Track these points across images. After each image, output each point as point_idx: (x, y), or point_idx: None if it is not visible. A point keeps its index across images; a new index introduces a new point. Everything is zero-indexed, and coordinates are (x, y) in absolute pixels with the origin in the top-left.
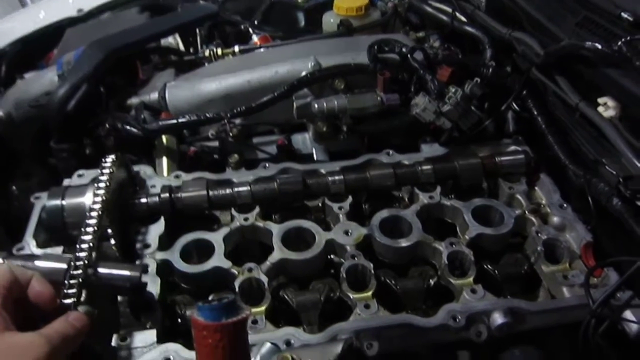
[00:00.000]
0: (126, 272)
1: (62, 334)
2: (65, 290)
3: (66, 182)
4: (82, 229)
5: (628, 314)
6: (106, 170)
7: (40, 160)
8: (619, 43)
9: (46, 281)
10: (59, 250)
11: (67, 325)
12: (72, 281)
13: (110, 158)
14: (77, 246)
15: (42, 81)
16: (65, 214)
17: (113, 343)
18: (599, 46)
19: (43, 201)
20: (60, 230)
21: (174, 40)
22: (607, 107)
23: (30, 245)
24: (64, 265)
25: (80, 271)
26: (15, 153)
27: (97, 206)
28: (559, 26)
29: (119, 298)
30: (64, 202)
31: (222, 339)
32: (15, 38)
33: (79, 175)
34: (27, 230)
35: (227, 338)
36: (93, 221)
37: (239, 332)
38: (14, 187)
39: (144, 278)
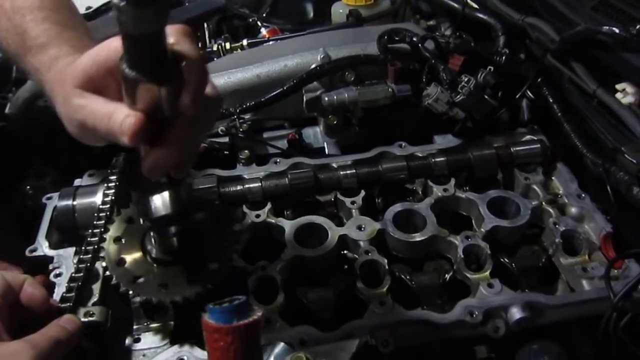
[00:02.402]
0: None
1: (51, 338)
2: (63, 294)
3: (77, 182)
4: (90, 231)
5: None
6: (116, 170)
7: (51, 160)
8: (638, 27)
9: (38, 284)
10: (71, 251)
11: (58, 329)
12: (71, 284)
13: (120, 157)
14: (83, 248)
15: None
16: (76, 215)
17: (126, 343)
18: (617, 30)
19: (55, 202)
20: (72, 230)
21: None
22: (626, 94)
23: (42, 246)
24: None
25: (81, 274)
26: (27, 152)
27: (106, 206)
28: (574, 11)
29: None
30: (75, 203)
31: (234, 342)
32: None
33: (90, 175)
34: (39, 231)
35: (239, 340)
36: (100, 222)
37: (251, 334)
38: (27, 187)
39: None
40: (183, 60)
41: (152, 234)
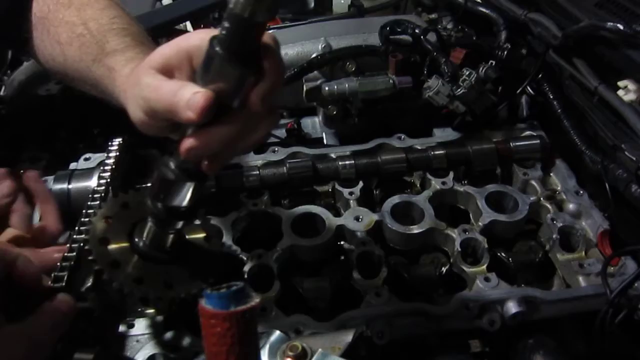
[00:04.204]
0: None
1: (45, 323)
2: (56, 273)
3: (73, 165)
4: (84, 211)
5: None
6: (112, 154)
7: (46, 145)
8: None
9: (31, 261)
10: (65, 234)
11: (52, 311)
12: (64, 263)
13: (116, 141)
14: (76, 228)
15: None
16: (71, 198)
17: (120, 329)
18: (621, 27)
19: (50, 185)
20: (66, 214)
21: (184, 28)
22: (628, 91)
23: None
24: None
25: (74, 253)
26: (21, 136)
27: (101, 188)
28: (577, 6)
29: None
30: (70, 187)
31: (231, 328)
32: None
33: (86, 159)
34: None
35: (235, 326)
36: (95, 203)
37: (248, 320)
38: (21, 171)
39: None
40: (266, 59)
41: (149, 223)
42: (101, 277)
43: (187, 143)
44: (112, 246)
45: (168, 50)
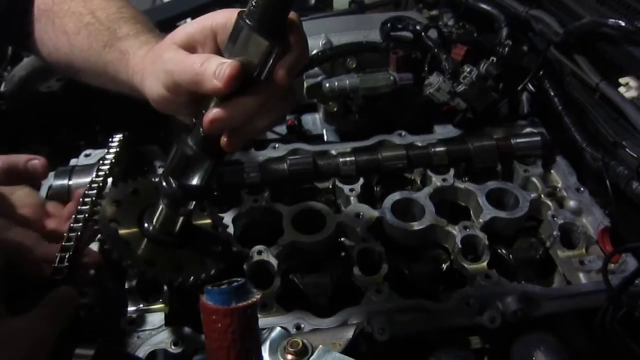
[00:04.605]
0: None
1: (48, 315)
2: (55, 264)
3: (73, 161)
4: (81, 199)
5: None
6: (112, 149)
7: (46, 141)
8: None
9: (32, 250)
10: None
11: (56, 302)
12: (62, 254)
13: (117, 137)
14: (73, 216)
15: None
16: (71, 194)
17: (121, 325)
18: (622, 23)
19: (50, 181)
20: None
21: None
22: (629, 88)
23: None
24: None
25: (71, 242)
26: (21, 131)
27: (99, 179)
28: (578, 3)
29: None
30: (70, 182)
31: (232, 324)
32: None
33: (86, 155)
34: None
35: (237, 322)
36: (92, 192)
37: (250, 316)
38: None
39: None
40: (292, 34)
41: (160, 206)
42: (102, 270)
43: (212, 114)
44: (122, 231)
45: (192, 27)
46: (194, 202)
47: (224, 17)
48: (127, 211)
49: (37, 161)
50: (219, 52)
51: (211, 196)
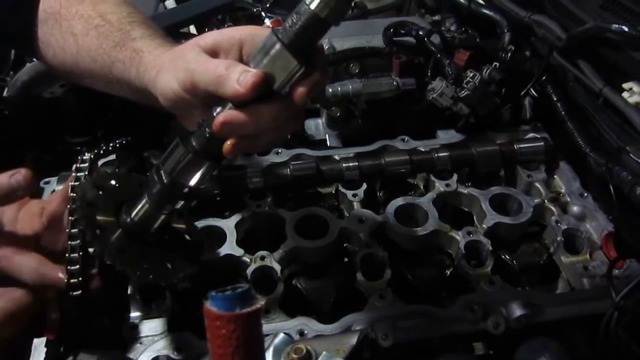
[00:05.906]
0: None
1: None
2: (69, 267)
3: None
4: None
5: None
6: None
7: (49, 146)
8: None
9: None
10: None
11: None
12: (71, 267)
13: (117, 141)
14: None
15: None
16: None
17: (123, 331)
18: (625, 28)
19: (53, 186)
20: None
21: (188, 32)
22: (633, 93)
23: None
24: None
25: (76, 254)
26: (24, 137)
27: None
28: (581, 8)
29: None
30: None
31: (236, 330)
32: None
33: None
34: None
35: (241, 328)
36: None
37: (253, 322)
38: None
39: None
40: (317, 58)
41: (144, 199)
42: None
43: (227, 115)
44: (99, 217)
45: (219, 35)
46: (181, 202)
47: (252, 31)
48: (106, 199)
49: (19, 175)
50: (241, 62)
51: (195, 202)
